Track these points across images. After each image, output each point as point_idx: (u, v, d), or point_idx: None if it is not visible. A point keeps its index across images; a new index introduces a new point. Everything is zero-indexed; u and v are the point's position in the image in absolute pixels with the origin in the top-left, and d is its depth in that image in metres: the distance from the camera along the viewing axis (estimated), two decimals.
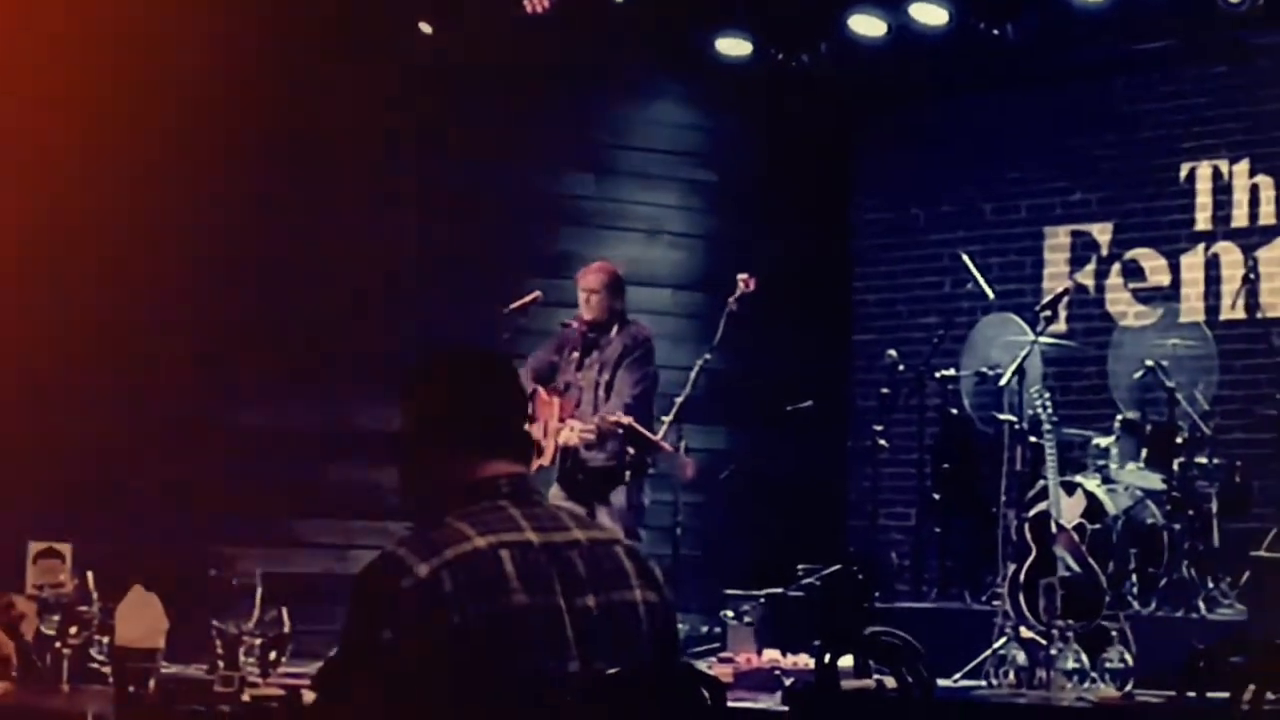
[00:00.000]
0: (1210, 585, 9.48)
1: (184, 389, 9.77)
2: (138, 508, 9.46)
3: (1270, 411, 9.81)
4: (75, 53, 9.47)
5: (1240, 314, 10.72)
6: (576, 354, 9.30)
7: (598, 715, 3.27)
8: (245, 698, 4.04)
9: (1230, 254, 10.92)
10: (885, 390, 10.89)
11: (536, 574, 3.31)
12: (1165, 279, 11.17)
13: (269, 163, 10.04)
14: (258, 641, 4.17)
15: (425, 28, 10.32)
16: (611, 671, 3.31)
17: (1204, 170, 11.09)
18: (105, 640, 4.22)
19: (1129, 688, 7.89)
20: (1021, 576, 8.85)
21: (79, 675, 4.28)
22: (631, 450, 9.05)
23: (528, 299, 9.50)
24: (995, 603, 9.21)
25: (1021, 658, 8.36)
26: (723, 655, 9.34)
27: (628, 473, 9.06)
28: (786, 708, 7.29)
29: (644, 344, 9.29)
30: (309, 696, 3.59)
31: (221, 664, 4.11)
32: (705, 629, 10.30)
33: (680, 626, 10.01)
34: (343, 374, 10.01)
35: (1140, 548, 9.44)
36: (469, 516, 3.36)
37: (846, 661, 6.41)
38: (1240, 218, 10.94)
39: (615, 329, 9.28)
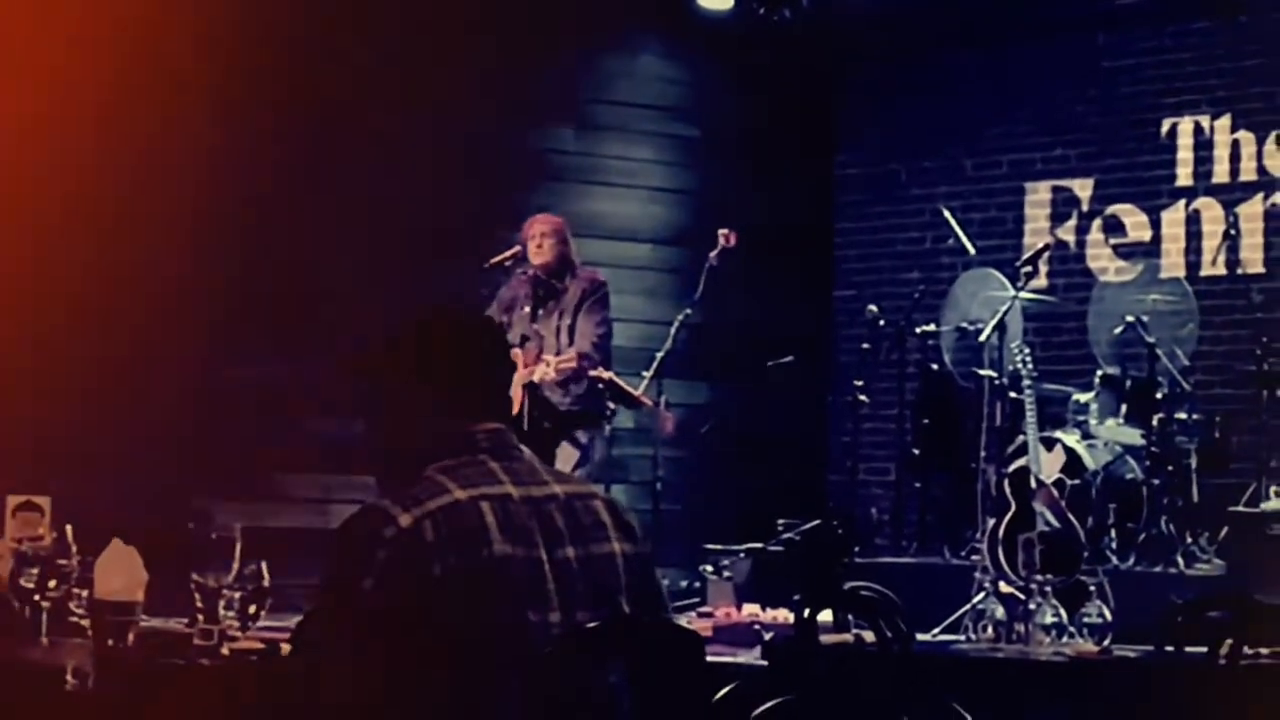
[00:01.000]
0: (1189, 540, 9.50)
1: (165, 343, 9.75)
2: (117, 461, 9.45)
3: (1250, 367, 9.83)
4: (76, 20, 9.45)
5: (1221, 270, 10.74)
6: (528, 307, 9.26)
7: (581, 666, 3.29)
8: (224, 651, 4.04)
9: (1211, 210, 10.93)
10: (866, 345, 10.89)
11: (517, 526, 3.33)
12: (1146, 235, 11.17)
13: (245, 117, 10.01)
14: (237, 595, 4.15)
15: None
16: (592, 625, 3.32)
17: (1185, 126, 11.08)
18: (84, 594, 4.21)
19: (1107, 642, 7.91)
20: (1000, 531, 8.86)
21: (57, 629, 4.27)
22: (612, 405, 9.05)
23: (507, 254, 9.47)
24: (974, 558, 9.23)
25: (1000, 612, 8.38)
26: (702, 610, 9.35)
27: (609, 414, 9.04)
28: (765, 662, 7.30)
29: (601, 288, 9.26)
30: (288, 649, 3.59)
31: (201, 617, 4.10)
32: (685, 584, 10.31)
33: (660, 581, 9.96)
34: (323, 327, 9.98)
35: (1119, 503, 9.46)
36: (448, 470, 3.38)
37: (826, 616, 6.42)
38: (1221, 174, 10.95)
39: (568, 276, 9.27)
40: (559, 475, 3.52)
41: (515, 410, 9.03)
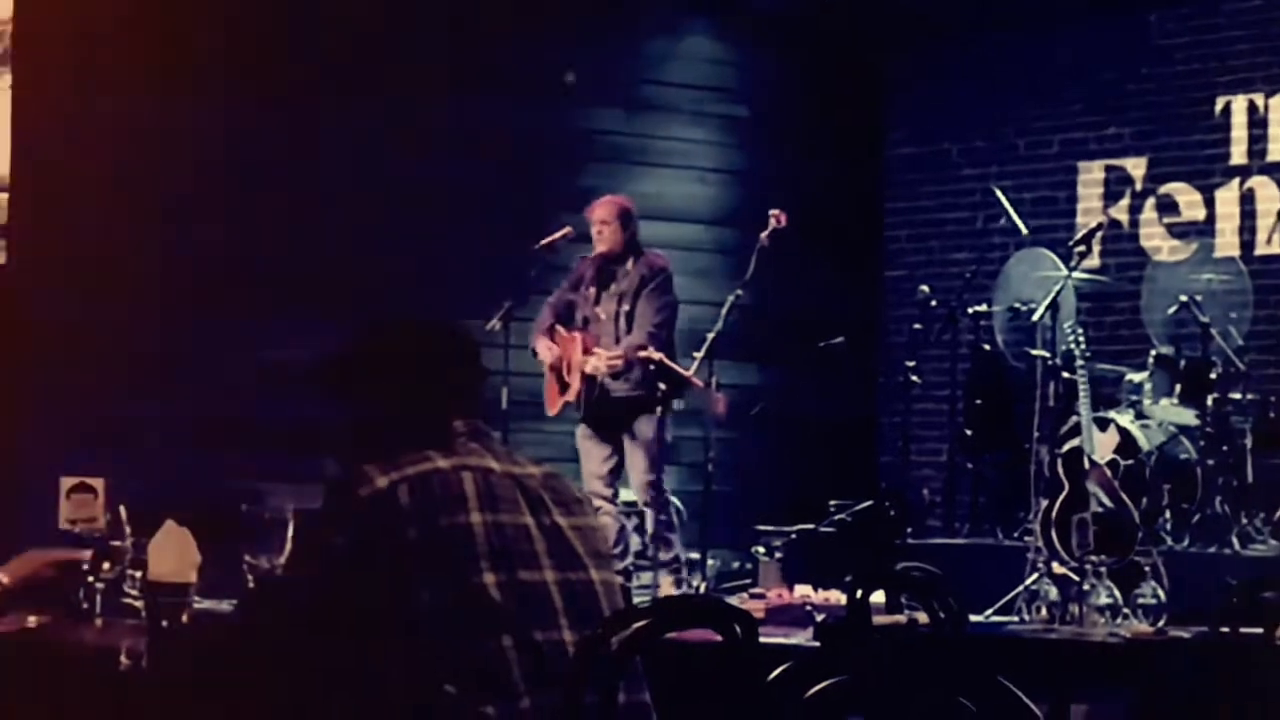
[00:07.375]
0: (1244, 521, 9.45)
1: (217, 324, 9.78)
2: (170, 443, 9.48)
3: None
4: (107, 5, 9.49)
5: (1275, 249, 10.68)
6: (593, 289, 9.30)
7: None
8: None
9: (1266, 188, 10.85)
10: (917, 326, 10.86)
11: (499, 495, 3.43)
12: (1200, 214, 11.10)
13: (296, 101, 10.02)
14: None
15: None
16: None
17: (1239, 104, 11.00)
18: (138, 575, 4.23)
19: (1162, 623, 7.87)
20: (1054, 512, 8.83)
21: (111, 610, 4.28)
22: (663, 386, 9.04)
23: (558, 234, 9.49)
24: (1027, 538, 9.19)
25: (1054, 593, 8.35)
26: (754, 591, 9.32)
27: (659, 406, 9.06)
28: (818, 643, 7.29)
29: (662, 272, 9.27)
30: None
31: None
32: (737, 564, 10.30)
33: (711, 562, 10.00)
34: (374, 308, 9.98)
35: (1173, 483, 9.42)
36: (433, 445, 3.46)
37: (878, 597, 6.40)
38: (1276, 152, 10.86)
39: (631, 260, 9.28)
40: (534, 462, 3.61)
41: (574, 398, 9.09)
